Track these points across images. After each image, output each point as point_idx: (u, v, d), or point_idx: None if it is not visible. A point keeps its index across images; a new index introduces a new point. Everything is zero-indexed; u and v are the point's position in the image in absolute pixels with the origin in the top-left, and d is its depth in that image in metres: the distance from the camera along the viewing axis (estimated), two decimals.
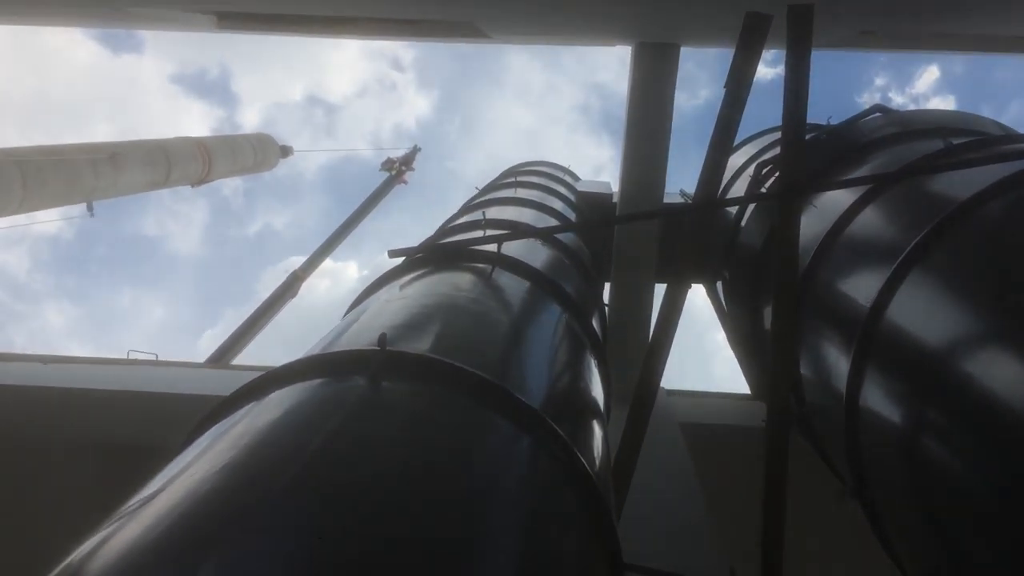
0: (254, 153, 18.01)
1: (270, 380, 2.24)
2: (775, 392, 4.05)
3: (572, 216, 7.09)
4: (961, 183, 3.70)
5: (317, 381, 2.16)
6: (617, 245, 7.08)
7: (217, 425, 2.09)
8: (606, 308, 6.34)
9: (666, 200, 7.50)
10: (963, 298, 3.18)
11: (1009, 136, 4.66)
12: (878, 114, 6.05)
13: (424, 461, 1.84)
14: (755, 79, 4.10)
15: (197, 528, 1.41)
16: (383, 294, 3.51)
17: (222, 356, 12.35)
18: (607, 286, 7.46)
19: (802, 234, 4.20)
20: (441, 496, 1.73)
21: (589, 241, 6.73)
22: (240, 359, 12.75)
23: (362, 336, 2.67)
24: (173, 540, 1.37)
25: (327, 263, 16.85)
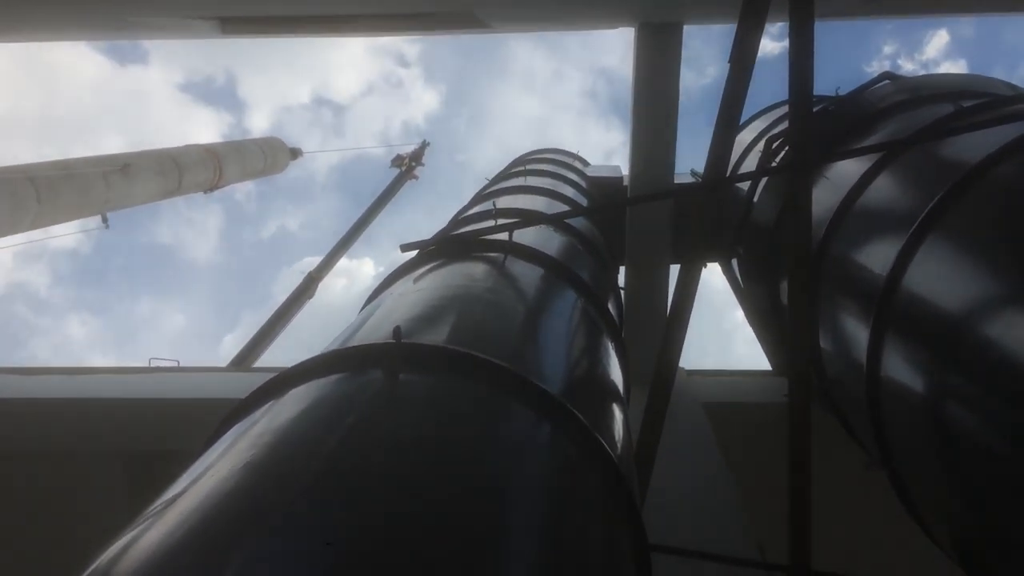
0: (264, 157, 18.07)
1: (287, 379, 2.24)
2: (795, 366, 4.03)
3: (583, 201, 7.07)
4: (973, 146, 3.65)
5: (334, 377, 2.16)
6: (630, 228, 7.06)
7: (237, 426, 2.10)
8: (622, 292, 6.33)
9: (677, 180, 7.47)
10: (980, 261, 3.15)
11: (1020, 96, 4.61)
12: (887, 82, 5.98)
13: (445, 452, 1.84)
14: (761, 53, 4.07)
15: (221, 527, 1.41)
16: (397, 288, 3.52)
17: (243, 359, 12.42)
18: (622, 269, 7.45)
19: (815, 206, 4.17)
20: (464, 486, 1.73)
21: (601, 226, 6.72)
22: (262, 361, 12.85)
23: (377, 331, 2.67)
24: (198, 540, 1.38)
25: (344, 262, 16.91)
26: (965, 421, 2.89)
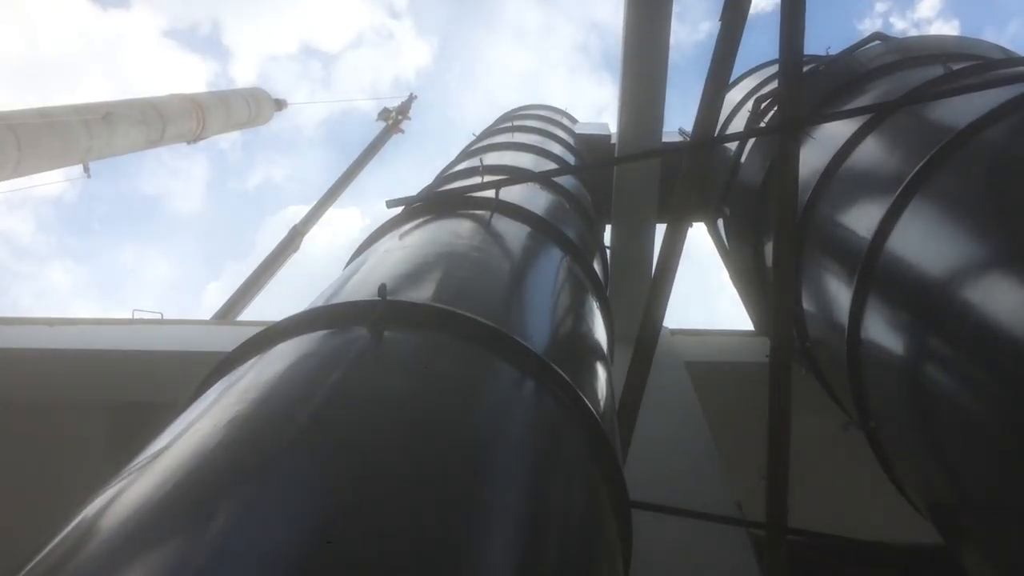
0: (248, 108, 17.85)
1: (273, 334, 2.24)
2: (777, 326, 4.06)
3: (571, 159, 7.03)
4: (961, 109, 3.65)
5: (319, 333, 2.16)
6: (617, 186, 7.02)
7: (222, 380, 2.10)
8: (608, 250, 6.33)
9: (665, 139, 7.42)
10: (964, 225, 3.16)
11: (1010, 59, 4.60)
12: (877, 42, 5.95)
13: (428, 408, 1.85)
14: (754, 11, 4.03)
15: (205, 481, 1.42)
16: (382, 245, 3.50)
17: (227, 313, 12.40)
18: (608, 228, 7.44)
19: (802, 167, 4.17)
20: (447, 442, 1.75)
21: (589, 184, 6.69)
22: (246, 315, 12.82)
23: (363, 287, 2.67)
24: (183, 494, 1.39)
25: (330, 215, 16.82)
26: (942, 384, 2.93)
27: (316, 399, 1.73)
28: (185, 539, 1.25)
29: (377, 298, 2.25)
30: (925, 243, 3.34)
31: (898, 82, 4.79)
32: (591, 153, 8.26)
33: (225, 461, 1.49)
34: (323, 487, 1.43)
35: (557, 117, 9.76)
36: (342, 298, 2.60)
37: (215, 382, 2.12)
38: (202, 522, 1.28)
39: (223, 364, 2.22)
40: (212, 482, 1.41)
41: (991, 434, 2.67)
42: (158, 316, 7.88)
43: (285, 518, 1.31)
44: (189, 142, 15.46)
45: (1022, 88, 3.45)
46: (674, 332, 7.46)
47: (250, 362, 2.13)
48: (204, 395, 2.04)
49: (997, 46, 5.34)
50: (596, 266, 4.51)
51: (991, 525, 2.90)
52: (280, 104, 20.39)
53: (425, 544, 1.39)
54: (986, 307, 2.73)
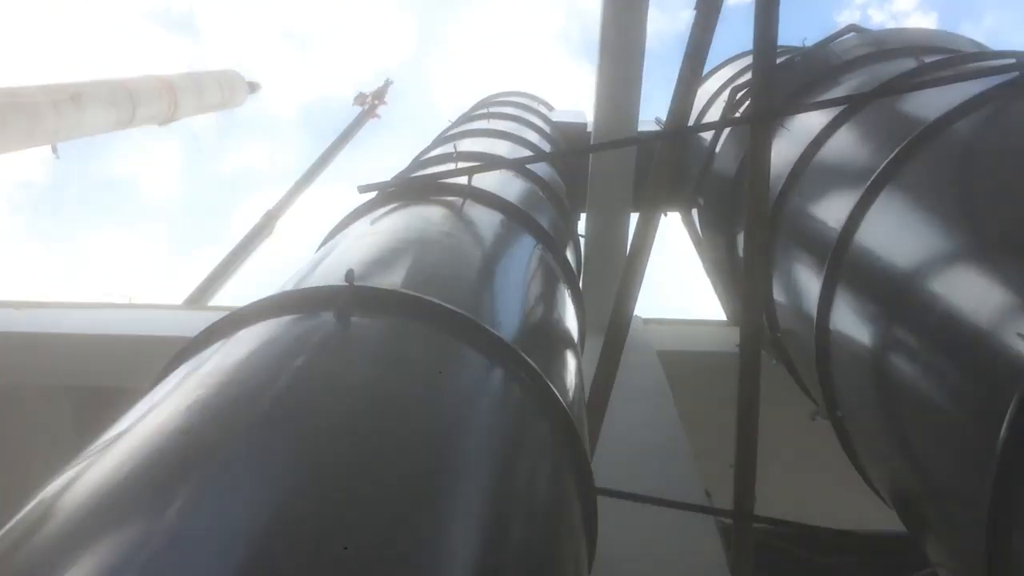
0: (221, 90, 17.61)
1: (238, 319, 2.22)
2: (748, 316, 4.09)
3: (546, 147, 7.01)
4: (933, 102, 3.68)
5: (285, 318, 2.14)
6: (592, 175, 7.03)
7: (185, 365, 2.08)
8: (582, 239, 6.33)
9: (642, 128, 7.43)
10: (931, 218, 3.19)
11: (982, 53, 4.63)
12: (852, 34, 5.99)
13: (394, 395, 1.84)
14: (733, 1, 4.04)
15: (162, 466, 1.41)
16: (353, 230, 3.48)
17: (199, 297, 12.27)
18: (583, 216, 7.45)
19: (775, 158, 4.19)
20: (411, 428, 1.74)
21: (564, 172, 6.68)
22: (218, 300, 12.69)
23: (331, 273, 2.65)
24: (138, 478, 1.37)
25: (308, 200, 16.64)
26: (907, 375, 2.96)
27: (279, 384, 1.72)
28: (139, 524, 1.24)
29: (344, 284, 2.23)
30: (893, 235, 3.37)
31: (872, 74, 4.82)
32: (567, 141, 8.26)
33: (184, 446, 1.47)
34: (282, 472, 1.42)
35: (534, 104, 9.72)
36: (310, 283, 2.58)
37: (178, 367, 2.10)
38: (157, 507, 1.26)
39: (186, 349, 2.20)
40: (169, 467, 1.40)
41: (952, 425, 2.70)
42: (127, 300, 7.79)
43: (241, 503, 1.30)
44: (160, 124, 15.23)
45: (992, 82, 3.48)
46: (647, 321, 7.50)
47: (214, 347, 2.10)
48: (166, 380, 2.01)
49: (970, 40, 5.38)
50: (569, 255, 4.51)
51: (951, 515, 2.94)
52: (254, 87, 20.13)
53: (386, 529, 1.39)
54: (950, 299, 2.76)
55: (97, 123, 12.43)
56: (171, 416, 1.61)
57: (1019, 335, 2.32)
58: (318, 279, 2.65)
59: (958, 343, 2.66)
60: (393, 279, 2.51)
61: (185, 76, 16.21)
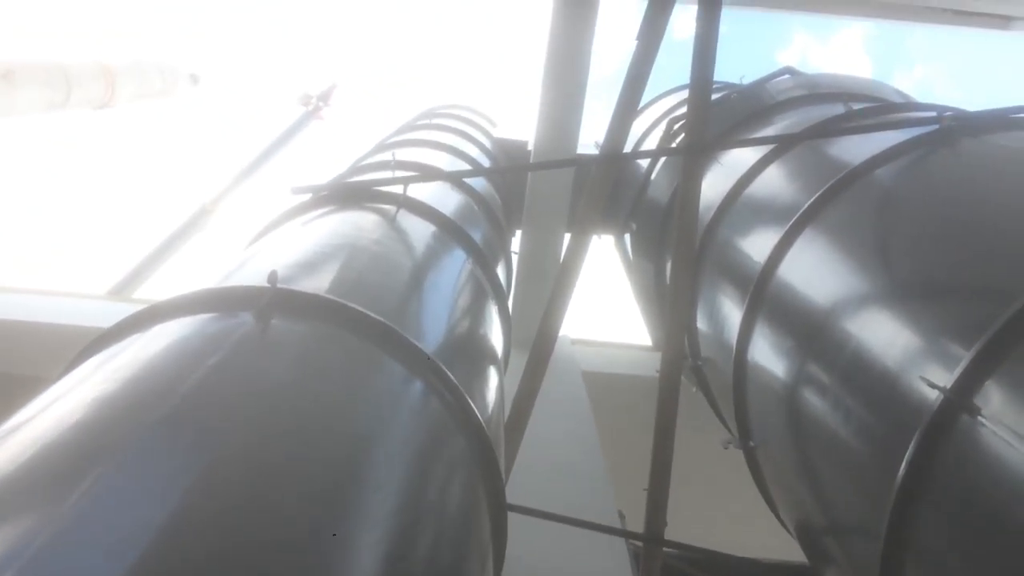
0: (162, 79, 17.20)
1: (154, 313, 2.17)
2: (670, 343, 4.16)
3: (486, 162, 7.04)
4: (857, 148, 3.83)
5: (203, 316, 2.11)
6: (530, 193, 7.09)
7: (95, 357, 2.03)
8: (515, 256, 6.37)
9: (582, 151, 7.53)
10: (848, 259, 3.31)
11: (906, 104, 4.83)
12: (787, 76, 6.20)
13: (308, 400, 1.83)
14: (680, 37, 4.13)
15: (58, 460, 1.37)
16: (282, 231, 3.44)
17: (123, 289, 11.94)
18: (519, 234, 7.49)
19: (706, 190, 4.28)
20: (322, 435, 1.73)
21: (502, 188, 6.73)
22: (144, 293, 12.33)
23: (254, 273, 2.61)
24: (31, 472, 1.34)
25: (244, 196, 16.32)
26: (817, 410, 3.06)
27: (189, 382, 1.69)
28: (25, 520, 1.20)
29: (267, 285, 2.20)
30: (812, 273, 3.48)
31: (802, 116, 4.99)
32: (508, 158, 8.31)
33: (82, 441, 1.44)
34: (182, 473, 1.40)
35: (477, 119, 9.74)
36: (232, 282, 2.54)
37: (87, 359, 2.05)
38: (45, 503, 1.23)
39: (98, 340, 2.14)
40: (64, 462, 1.36)
41: (856, 461, 2.79)
42: (47, 287, 7.53)
43: (134, 502, 1.28)
44: (96, 108, 14.78)
45: (914, 132, 3.63)
46: (574, 341, 7.57)
47: (126, 340, 2.06)
48: (72, 372, 1.96)
49: (896, 90, 5.61)
50: (500, 271, 4.54)
51: (850, 548, 3.04)
52: (195, 79, 19.73)
53: (286, 535, 1.38)
54: (861, 339, 2.87)
55: (28, 104, 12.01)
56: (72, 409, 1.58)
57: (921, 378, 2.42)
58: (241, 278, 2.61)
59: (866, 382, 2.76)
60: (317, 284, 2.48)
61: (124, 62, 15.79)
